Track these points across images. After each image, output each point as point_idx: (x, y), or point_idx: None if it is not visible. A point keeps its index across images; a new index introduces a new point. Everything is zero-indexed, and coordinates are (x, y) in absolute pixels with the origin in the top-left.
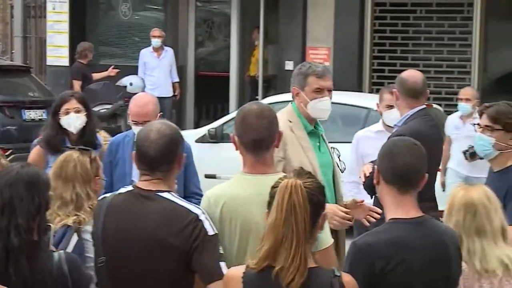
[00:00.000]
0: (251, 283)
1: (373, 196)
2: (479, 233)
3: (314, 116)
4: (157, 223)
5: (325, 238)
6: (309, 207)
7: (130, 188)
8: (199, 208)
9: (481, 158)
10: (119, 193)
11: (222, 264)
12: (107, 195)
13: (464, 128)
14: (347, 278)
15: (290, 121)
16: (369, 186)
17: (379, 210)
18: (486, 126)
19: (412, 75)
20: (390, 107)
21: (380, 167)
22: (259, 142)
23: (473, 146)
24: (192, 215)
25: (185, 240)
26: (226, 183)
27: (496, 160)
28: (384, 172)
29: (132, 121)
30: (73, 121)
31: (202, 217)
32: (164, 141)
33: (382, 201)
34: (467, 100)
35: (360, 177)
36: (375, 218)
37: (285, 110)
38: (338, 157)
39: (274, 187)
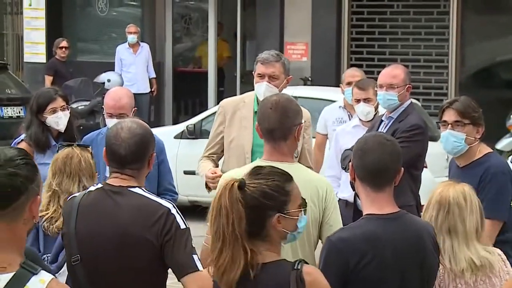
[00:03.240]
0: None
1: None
2: (451, 232)
3: (260, 100)
4: (129, 218)
5: (336, 228)
6: (244, 209)
7: (99, 185)
8: (170, 202)
9: None
10: (89, 191)
11: (195, 257)
12: (76, 194)
13: None
14: (309, 269)
15: (244, 101)
16: None
17: None
18: (456, 121)
19: None
20: (358, 101)
21: (354, 164)
22: (271, 131)
23: None
24: (164, 208)
25: (157, 233)
26: (243, 167)
27: (464, 155)
28: (357, 170)
29: (107, 113)
30: (62, 119)
31: (173, 210)
32: (134, 141)
33: (359, 197)
34: None
35: (347, 169)
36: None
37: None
38: None
39: None
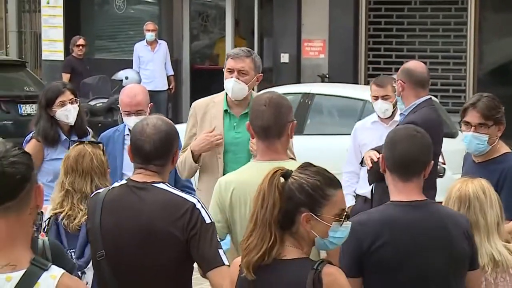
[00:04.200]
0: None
1: (372, 185)
2: (473, 227)
3: (229, 95)
4: (154, 213)
5: None
6: (280, 197)
7: (124, 181)
8: (195, 197)
9: None
10: (113, 187)
11: (221, 252)
12: (100, 190)
13: None
14: (329, 269)
15: (214, 101)
16: (374, 172)
17: None
18: (480, 124)
19: (418, 65)
20: (376, 98)
21: (384, 155)
22: (265, 129)
23: None
24: (189, 203)
25: (183, 228)
26: (238, 170)
27: (484, 153)
28: (387, 161)
29: (124, 111)
30: (71, 112)
31: (198, 205)
32: (159, 137)
33: (388, 188)
34: None
35: (364, 164)
36: None
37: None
38: None
39: None
